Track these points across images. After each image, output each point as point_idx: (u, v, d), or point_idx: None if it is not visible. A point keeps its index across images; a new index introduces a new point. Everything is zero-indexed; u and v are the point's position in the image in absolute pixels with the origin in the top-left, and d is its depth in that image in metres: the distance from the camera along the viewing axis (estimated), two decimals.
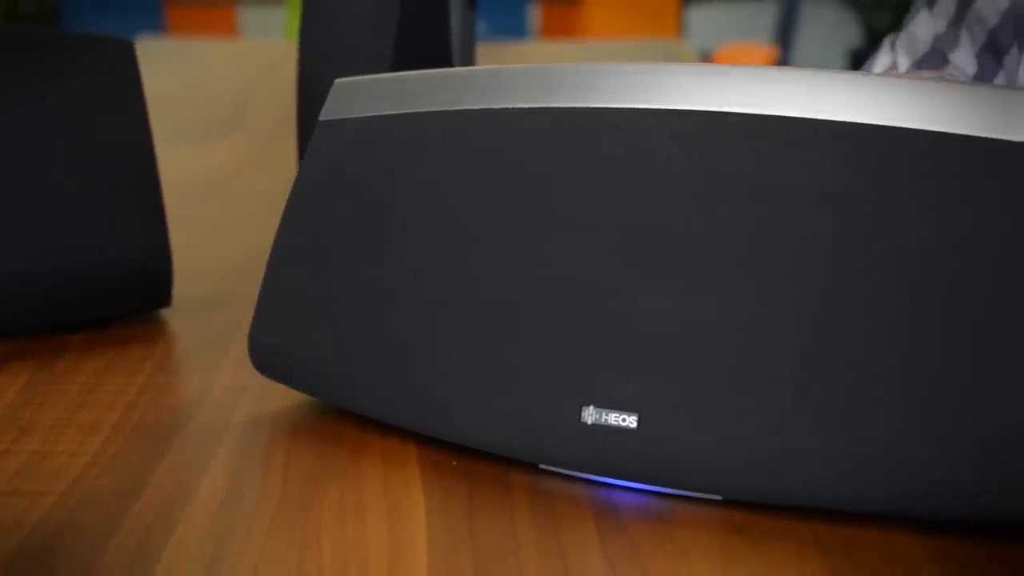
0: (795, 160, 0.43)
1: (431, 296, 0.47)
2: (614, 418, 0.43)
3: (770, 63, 2.77)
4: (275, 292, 0.51)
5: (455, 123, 0.49)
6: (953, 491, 0.39)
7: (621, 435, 0.43)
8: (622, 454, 0.43)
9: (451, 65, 0.69)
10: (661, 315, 0.43)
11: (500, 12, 3.23)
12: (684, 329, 0.43)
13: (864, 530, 0.41)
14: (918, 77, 0.47)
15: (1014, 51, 0.72)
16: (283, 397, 0.53)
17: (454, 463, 0.47)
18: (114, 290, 0.61)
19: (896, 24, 0.84)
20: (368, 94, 0.52)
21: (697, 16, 3.60)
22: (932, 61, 0.76)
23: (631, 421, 0.43)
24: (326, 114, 0.52)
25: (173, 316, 0.65)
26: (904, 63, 0.78)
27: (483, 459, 0.47)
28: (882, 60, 0.81)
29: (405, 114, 0.50)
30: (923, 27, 0.78)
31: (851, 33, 3.68)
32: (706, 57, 2.73)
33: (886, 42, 0.82)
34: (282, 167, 0.91)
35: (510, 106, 0.48)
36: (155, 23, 3.23)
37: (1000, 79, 0.74)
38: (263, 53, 1.94)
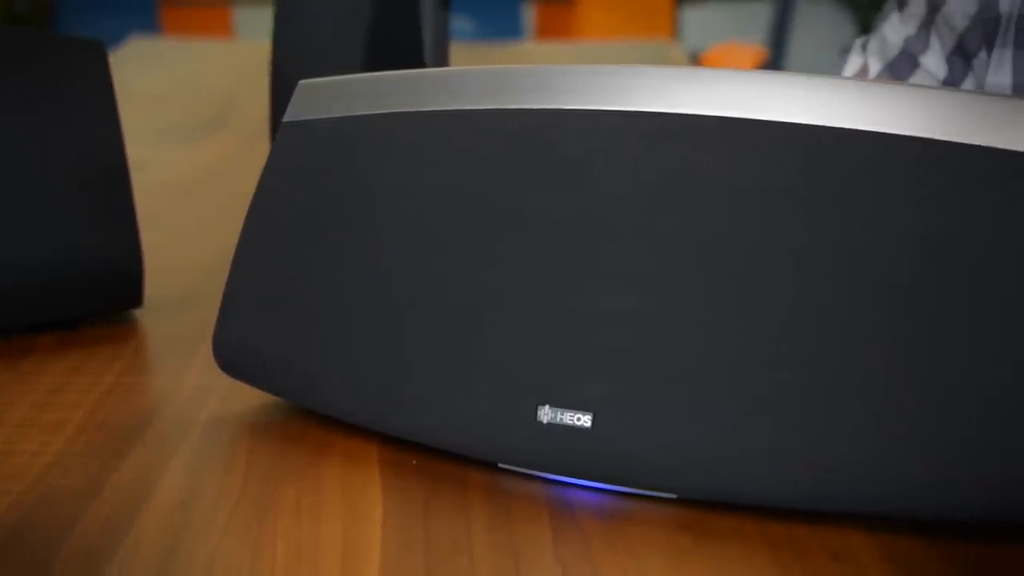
0: (752, 162, 0.43)
1: (391, 297, 0.47)
2: (569, 418, 0.43)
3: (758, 63, 2.77)
4: (239, 292, 0.52)
5: (418, 124, 0.49)
6: (903, 490, 0.39)
7: (576, 434, 0.43)
8: (577, 453, 0.43)
9: (423, 65, 0.69)
10: (617, 316, 0.43)
11: (495, 12, 3.23)
12: (639, 330, 0.43)
13: (814, 529, 0.41)
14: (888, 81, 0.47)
15: (982, 54, 0.72)
16: (249, 397, 0.53)
17: (414, 463, 0.47)
18: (84, 291, 0.61)
19: None
20: (332, 95, 0.52)
21: (691, 16, 3.60)
22: (902, 64, 0.76)
23: (586, 421, 0.43)
24: (290, 115, 0.53)
25: (145, 316, 0.65)
26: (875, 66, 0.79)
27: (443, 458, 0.47)
28: (852, 63, 0.81)
29: (368, 115, 0.50)
30: (894, 30, 0.78)
31: (847, 33, 3.67)
32: (696, 58, 2.73)
33: (856, 45, 0.82)
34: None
35: (471, 107, 0.48)
36: (150, 23, 3.23)
37: (969, 81, 0.74)
38: (256, 53, 1.93)
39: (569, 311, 0.44)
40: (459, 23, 2.99)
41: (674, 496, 0.43)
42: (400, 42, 0.67)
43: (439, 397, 0.46)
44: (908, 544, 0.40)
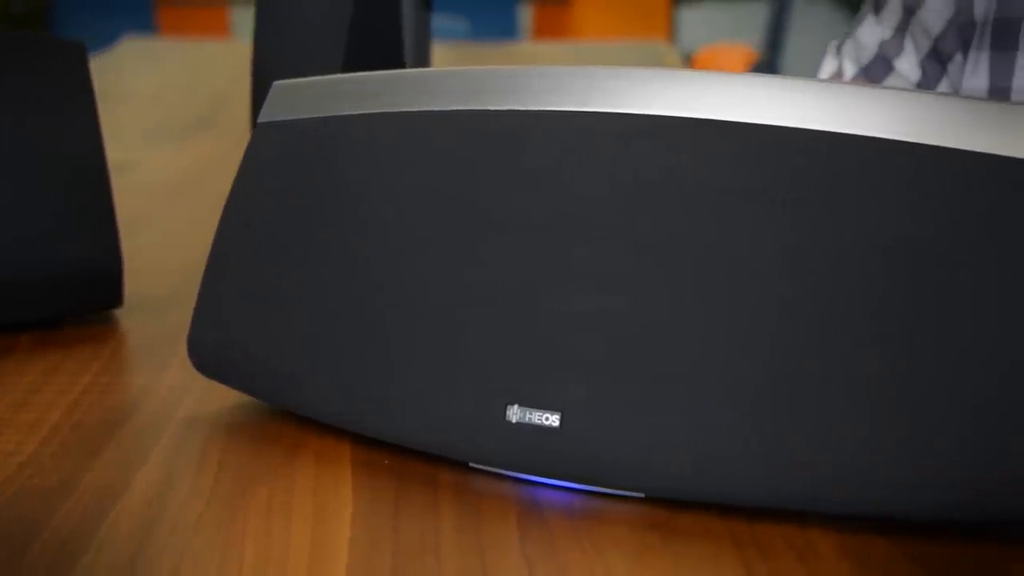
0: (725, 164, 0.43)
1: (363, 298, 0.48)
2: (538, 417, 0.43)
3: (749, 64, 2.77)
4: (214, 292, 0.52)
5: (392, 125, 0.49)
6: (868, 490, 0.40)
7: (544, 434, 0.43)
8: (545, 453, 0.43)
9: (404, 65, 0.69)
10: (587, 317, 0.43)
11: (490, 13, 3.23)
12: (609, 331, 0.43)
13: (781, 528, 0.41)
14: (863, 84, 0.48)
15: (958, 57, 0.73)
16: (225, 397, 0.53)
17: (386, 462, 0.47)
18: (63, 291, 0.61)
19: None
20: (306, 96, 0.52)
21: (688, 16, 3.60)
22: (877, 68, 0.77)
23: (554, 420, 0.43)
24: (264, 116, 0.53)
25: (126, 316, 0.65)
26: (849, 69, 0.79)
27: (415, 458, 0.47)
28: (827, 66, 0.81)
29: (342, 116, 0.51)
30: (869, 34, 0.79)
31: (843, 33, 3.68)
32: (688, 58, 2.73)
33: (831, 48, 0.82)
34: None
35: (446, 109, 0.48)
36: (146, 23, 3.23)
37: (944, 85, 0.74)
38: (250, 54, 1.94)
39: (540, 312, 0.44)
40: (453, 23, 2.99)
41: (642, 495, 0.43)
42: (381, 42, 0.67)
43: (410, 397, 0.46)
44: (874, 543, 0.40)
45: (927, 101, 0.41)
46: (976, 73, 0.69)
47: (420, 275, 0.47)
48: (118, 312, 0.66)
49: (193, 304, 0.53)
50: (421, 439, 0.46)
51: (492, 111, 0.47)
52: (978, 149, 0.40)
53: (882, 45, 0.76)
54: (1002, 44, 0.67)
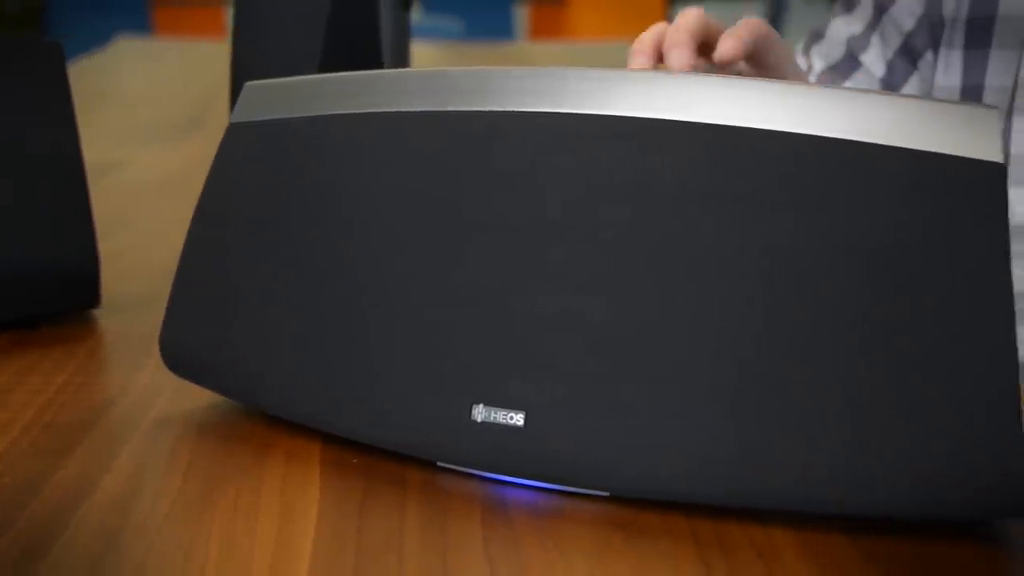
0: (690, 164, 0.43)
1: (331, 298, 0.48)
2: (502, 417, 0.43)
3: None
4: (185, 292, 0.52)
5: (359, 126, 0.49)
6: (828, 488, 0.40)
7: (509, 433, 0.43)
8: (510, 452, 0.43)
9: (382, 66, 0.70)
10: (550, 317, 0.44)
11: (486, 13, 3.24)
12: (571, 330, 0.43)
13: (744, 527, 0.42)
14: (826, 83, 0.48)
15: (928, 55, 0.73)
16: (198, 396, 0.53)
17: (355, 462, 0.47)
18: (39, 291, 0.62)
19: None
20: (278, 97, 0.52)
21: None
22: (845, 64, 0.77)
23: (518, 419, 0.43)
24: (236, 116, 0.53)
25: (104, 316, 0.66)
26: (818, 66, 0.79)
27: (384, 458, 0.47)
28: (799, 64, 0.82)
29: (313, 117, 0.51)
30: (838, 31, 0.79)
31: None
32: None
33: (799, 47, 0.83)
34: None
35: (413, 110, 0.48)
36: (142, 23, 3.24)
37: (915, 81, 0.74)
38: None
39: (506, 312, 0.44)
40: (448, 23, 3.00)
41: (607, 494, 0.43)
42: (359, 42, 0.67)
43: (378, 396, 0.46)
44: (834, 542, 0.41)
45: (887, 102, 0.41)
46: (949, 71, 0.69)
47: (390, 276, 0.47)
48: (97, 312, 0.66)
49: None
50: (389, 438, 0.46)
51: (465, 112, 0.47)
52: (936, 150, 0.40)
53: (850, 41, 0.77)
54: (975, 42, 0.67)
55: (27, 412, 0.52)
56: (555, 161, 0.45)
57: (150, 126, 1.34)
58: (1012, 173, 0.66)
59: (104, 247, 0.80)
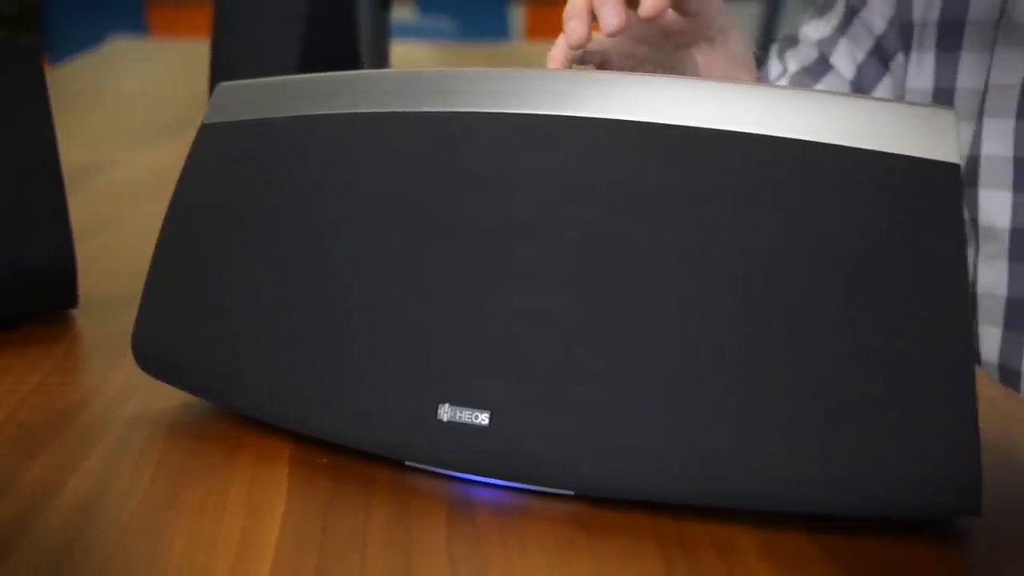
0: (639, 163, 0.44)
1: (301, 298, 0.48)
2: (467, 416, 0.44)
3: None
4: (157, 292, 0.52)
5: (328, 127, 0.50)
6: (786, 487, 0.40)
7: (474, 432, 0.43)
8: (475, 451, 0.44)
9: (360, 66, 0.70)
10: (513, 317, 0.44)
11: (481, 13, 3.24)
12: (534, 330, 0.43)
13: (705, 525, 0.42)
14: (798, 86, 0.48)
15: (900, 57, 0.73)
16: (171, 396, 0.53)
17: (324, 461, 0.48)
18: (16, 291, 0.62)
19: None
20: (250, 98, 0.53)
21: None
22: (817, 67, 0.77)
23: (483, 419, 0.43)
24: (208, 117, 0.53)
25: (83, 316, 0.66)
26: (792, 67, 0.80)
27: (353, 457, 0.47)
28: (773, 68, 0.82)
29: (283, 118, 0.51)
30: (810, 34, 0.79)
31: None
32: None
33: (773, 50, 0.83)
34: None
35: (380, 111, 0.49)
36: (138, 24, 3.24)
37: (886, 83, 0.75)
38: None
39: (470, 312, 0.45)
40: (443, 24, 3.00)
41: (572, 493, 0.44)
42: (336, 43, 0.67)
43: (347, 396, 0.46)
44: (793, 540, 0.41)
45: (846, 104, 0.41)
46: (921, 74, 0.69)
47: (361, 277, 0.47)
48: (76, 312, 0.66)
49: None
50: (357, 438, 0.46)
51: (424, 113, 0.47)
52: (893, 151, 0.40)
53: (820, 44, 0.77)
54: (947, 45, 0.67)
55: (1, 412, 0.53)
56: (523, 162, 0.46)
57: (140, 126, 1.34)
58: (984, 175, 0.66)
59: (88, 247, 0.80)
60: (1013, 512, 0.43)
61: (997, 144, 0.64)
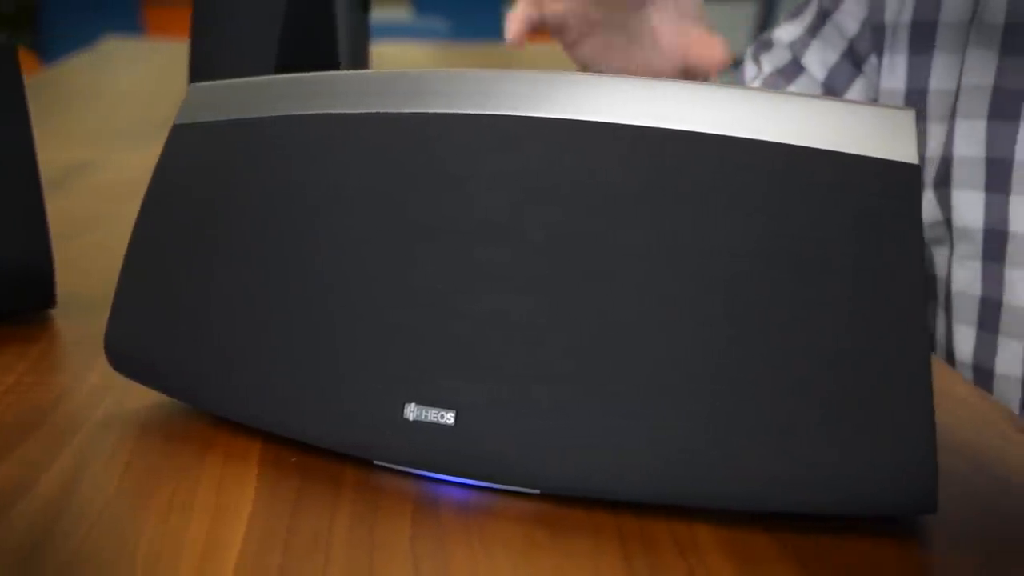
0: (601, 163, 0.44)
1: (269, 297, 0.48)
2: (433, 415, 0.44)
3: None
4: (130, 292, 0.52)
5: (301, 128, 0.50)
6: (749, 485, 0.40)
7: (439, 431, 0.44)
8: (441, 450, 0.44)
9: (339, 66, 0.70)
10: (478, 316, 0.44)
11: (476, 13, 3.24)
12: (499, 330, 0.43)
13: (668, 523, 0.42)
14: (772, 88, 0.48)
15: (872, 59, 0.73)
16: (145, 396, 0.54)
17: (293, 460, 0.48)
18: None
19: None
20: (223, 98, 0.53)
21: None
22: (790, 69, 0.78)
23: (448, 418, 0.44)
24: (180, 118, 0.53)
25: (62, 316, 0.66)
26: (766, 69, 0.80)
27: (322, 456, 0.47)
28: (748, 71, 0.82)
29: (254, 119, 0.51)
30: (782, 36, 0.80)
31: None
32: None
33: (749, 52, 0.83)
34: None
35: (350, 111, 0.49)
36: (132, 23, 3.24)
37: (859, 85, 0.75)
38: None
39: (436, 312, 0.45)
40: (436, 24, 3.00)
41: (537, 492, 0.44)
42: (315, 43, 0.67)
43: (314, 395, 0.46)
44: (755, 538, 0.41)
45: (806, 104, 0.42)
46: (893, 75, 0.69)
47: (330, 277, 0.47)
48: (54, 312, 0.67)
49: None
50: (325, 437, 0.46)
51: (392, 114, 0.48)
52: (853, 151, 0.40)
53: (792, 46, 0.77)
54: (919, 47, 0.68)
55: None
56: (491, 163, 0.46)
57: (134, 125, 1.35)
58: (956, 176, 0.66)
59: (71, 246, 0.80)
60: (981, 512, 0.43)
61: (970, 145, 0.65)
